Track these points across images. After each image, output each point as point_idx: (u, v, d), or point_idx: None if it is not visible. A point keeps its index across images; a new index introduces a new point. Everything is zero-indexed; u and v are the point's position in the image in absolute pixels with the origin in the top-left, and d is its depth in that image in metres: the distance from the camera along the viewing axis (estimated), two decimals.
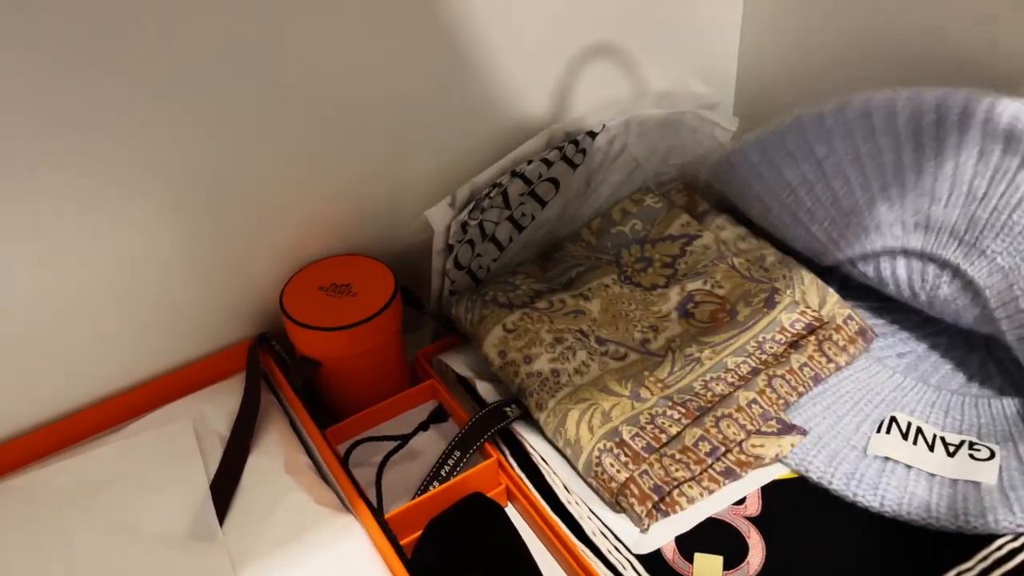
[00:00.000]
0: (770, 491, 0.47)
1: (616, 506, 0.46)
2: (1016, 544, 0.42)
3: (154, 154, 0.47)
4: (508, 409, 0.51)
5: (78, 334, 0.51)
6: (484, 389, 0.54)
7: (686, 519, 0.45)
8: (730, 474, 0.47)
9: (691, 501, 0.46)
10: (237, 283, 0.54)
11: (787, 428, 0.48)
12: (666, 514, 0.45)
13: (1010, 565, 0.42)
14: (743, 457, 0.47)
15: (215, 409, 0.53)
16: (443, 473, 0.48)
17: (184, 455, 0.50)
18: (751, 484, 0.47)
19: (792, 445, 0.47)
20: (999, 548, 0.42)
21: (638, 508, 0.44)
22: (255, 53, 0.47)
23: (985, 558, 0.42)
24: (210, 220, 0.51)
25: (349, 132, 0.53)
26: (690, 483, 0.46)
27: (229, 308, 0.55)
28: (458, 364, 0.56)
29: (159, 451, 0.51)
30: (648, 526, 0.45)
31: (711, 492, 0.46)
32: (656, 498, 0.45)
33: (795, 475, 0.47)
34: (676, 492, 0.46)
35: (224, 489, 0.48)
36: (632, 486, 0.45)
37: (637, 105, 0.59)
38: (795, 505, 0.46)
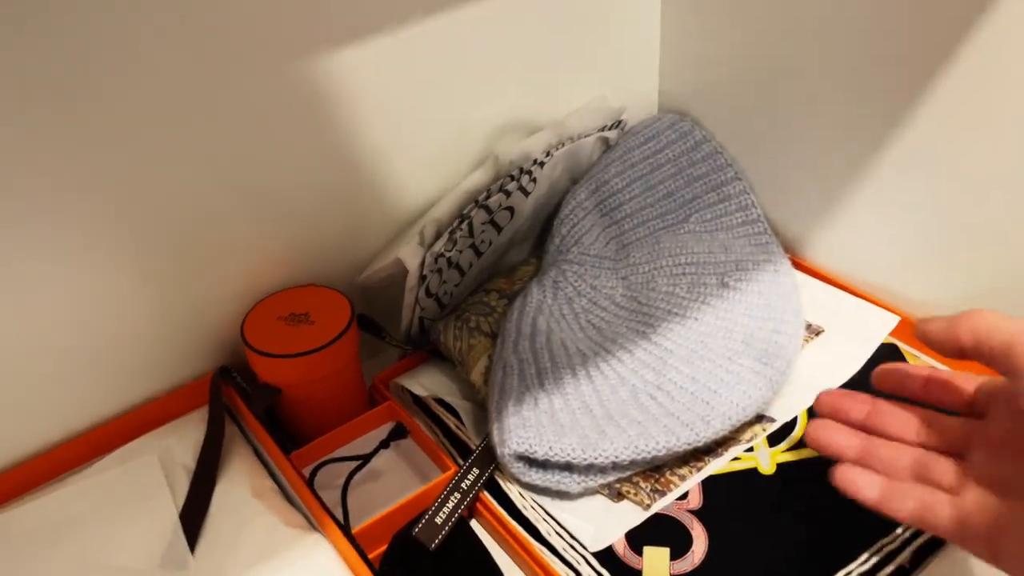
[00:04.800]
0: (709, 485, 0.50)
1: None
2: None
3: (108, 198, 0.49)
4: None
5: (37, 376, 0.52)
6: (462, 408, 0.58)
7: (635, 515, 0.49)
8: (710, 451, 0.52)
9: (682, 479, 0.51)
10: (196, 318, 0.56)
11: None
12: (662, 493, 0.50)
13: (926, 537, 0.46)
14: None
15: (180, 442, 0.54)
16: (464, 486, 0.51)
17: (151, 488, 0.51)
18: (695, 479, 0.51)
19: (764, 430, 0.53)
20: None
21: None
22: (206, 92, 0.49)
23: (906, 528, 0.47)
24: (167, 259, 0.53)
25: (301, 174, 0.56)
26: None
27: (189, 343, 0.57)
28: (415, 386, 0.59)
29: (126, 486, 0.52)
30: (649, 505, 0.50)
31: (699, 469, 0.51)
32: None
33: (730, 469, 0.51)
34: (668, 472, 0.51)
35: (193, 518, 0.49)
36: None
37: (564, 127, 0.63)
38: (732, 497, 0.50)
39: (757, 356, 0.54)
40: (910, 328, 0.58)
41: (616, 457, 0.49)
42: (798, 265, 0.66)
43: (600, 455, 0.49)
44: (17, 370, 0.51)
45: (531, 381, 0.54)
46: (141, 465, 0.53)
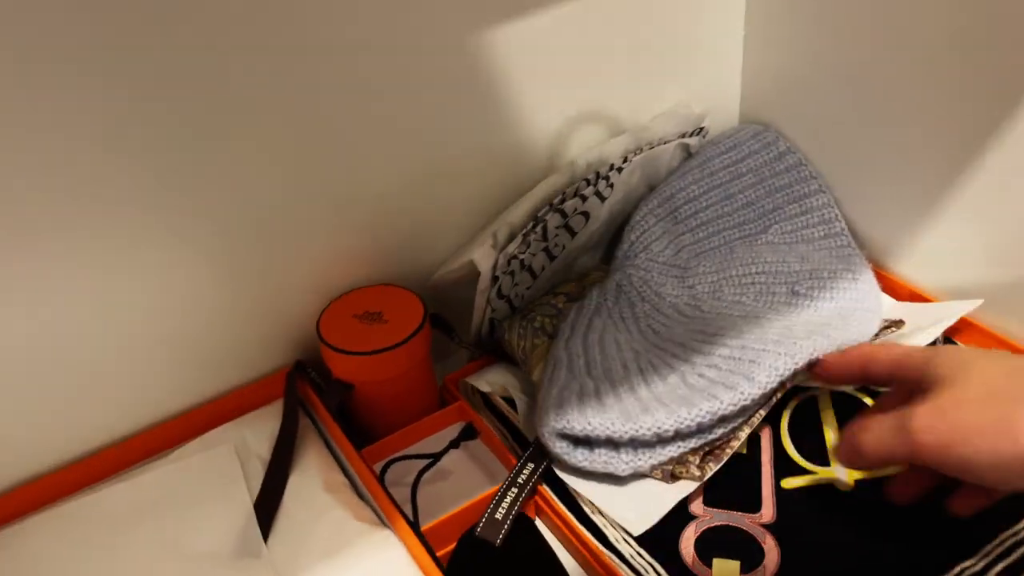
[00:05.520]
0: (783, 498, 0.49)
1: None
2: (1017, 538, 0.45)
3: (197, 194, 0.51)
4: None
5: (126, 367, 0.54)
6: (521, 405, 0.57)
7: (674, 494, 0.49)
8: (761, 405, 0.51)
9: (738, 440, 0.50)
10: (274, 315, 0.58)
11: None
12: (718, 459, 0.49)
13: (1011, 559, 0.45)
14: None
15: (256, 434, 0.56)
16: (520, 481, 0.51)
17: (228, 477, 0.53)
18: (767, 489, 0.50)
19: None
20: (1000, 543, 0.45)
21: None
22: (288, 94, 0.50)
23: (988, 553, 0.45)
24: (250, 256, 0.55)
25: (379, 174, 0.57)
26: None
27: (267, 338, 0.58)
28: (482, 383, 0.59)
29: (204, 474, 0.53)
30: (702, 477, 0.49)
31: (751, 425, 0.50)
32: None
33: (805, 483, 0.50)
34: (721, 443, 0.50)
35: (267, 508, 0.50)
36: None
37: (644, 132, 0.62)
38: (806, 511, 0.49)
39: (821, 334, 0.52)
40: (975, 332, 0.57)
41: (659, 428, 0.48)
42: (883, 279, 0.64)
43: (641, 427, 0.48)
44: (107, 359, 0.53)
45: (578, 371, 0.54)
46: (218, 454, 0.55)
